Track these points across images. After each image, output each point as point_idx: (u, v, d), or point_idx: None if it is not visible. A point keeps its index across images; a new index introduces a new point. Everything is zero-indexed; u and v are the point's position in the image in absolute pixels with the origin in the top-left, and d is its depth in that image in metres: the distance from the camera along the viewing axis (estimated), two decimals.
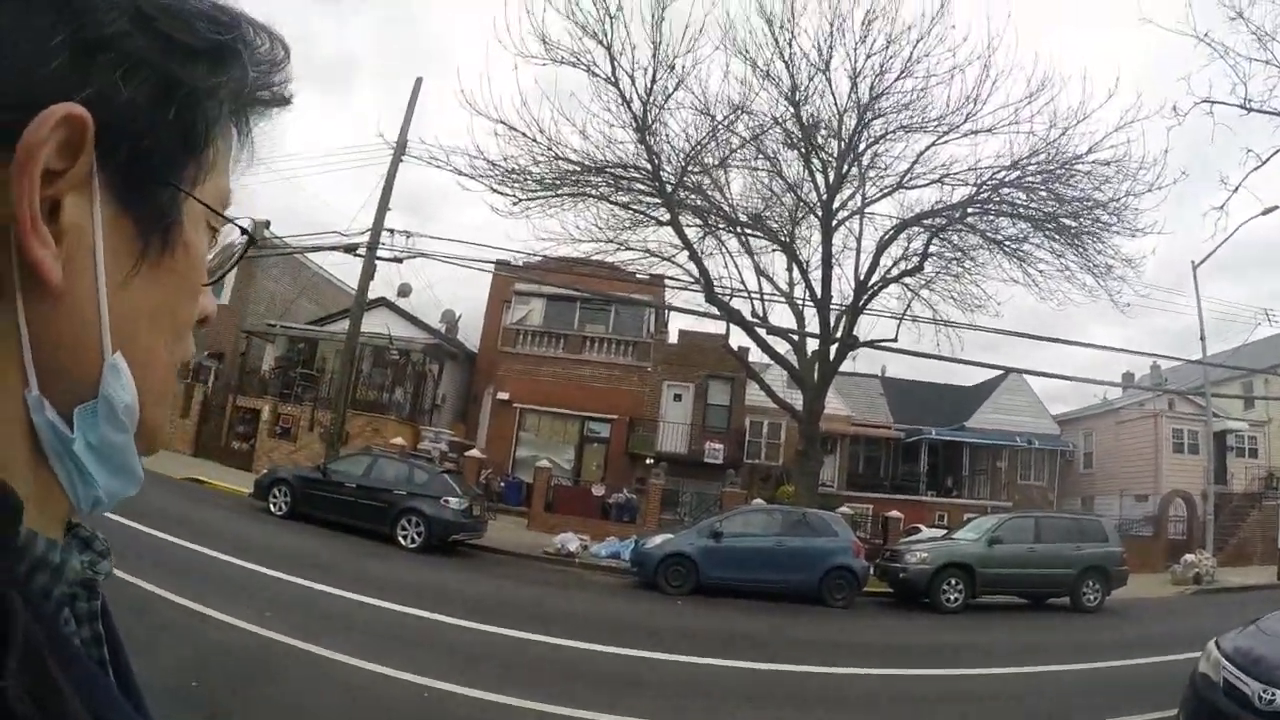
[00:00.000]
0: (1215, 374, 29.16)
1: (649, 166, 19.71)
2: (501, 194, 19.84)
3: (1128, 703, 8.70)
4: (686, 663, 9.73)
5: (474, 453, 27.01)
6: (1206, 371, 28.55)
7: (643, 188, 20.50)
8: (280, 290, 39.95)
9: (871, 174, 21.64)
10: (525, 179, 19.86)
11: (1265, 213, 21.61)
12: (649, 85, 18.87)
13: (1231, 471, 35.52)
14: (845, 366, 23.01)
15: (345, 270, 41.11)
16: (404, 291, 35.00)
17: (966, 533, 19.63)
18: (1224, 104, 12.77)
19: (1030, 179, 20.12)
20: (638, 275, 25.04)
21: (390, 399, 30.25)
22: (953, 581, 17.51)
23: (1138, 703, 8.57)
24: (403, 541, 17.23)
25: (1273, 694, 5.62)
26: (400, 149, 23.48)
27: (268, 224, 38.02)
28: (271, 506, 18.62)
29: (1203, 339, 28.74)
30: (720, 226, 22.13)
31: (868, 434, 36.58)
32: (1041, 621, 16.99)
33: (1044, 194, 20.23)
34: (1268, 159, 12.73)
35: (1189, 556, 24.67)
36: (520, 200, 19.98)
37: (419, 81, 24.16)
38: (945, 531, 22.54)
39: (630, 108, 19.20)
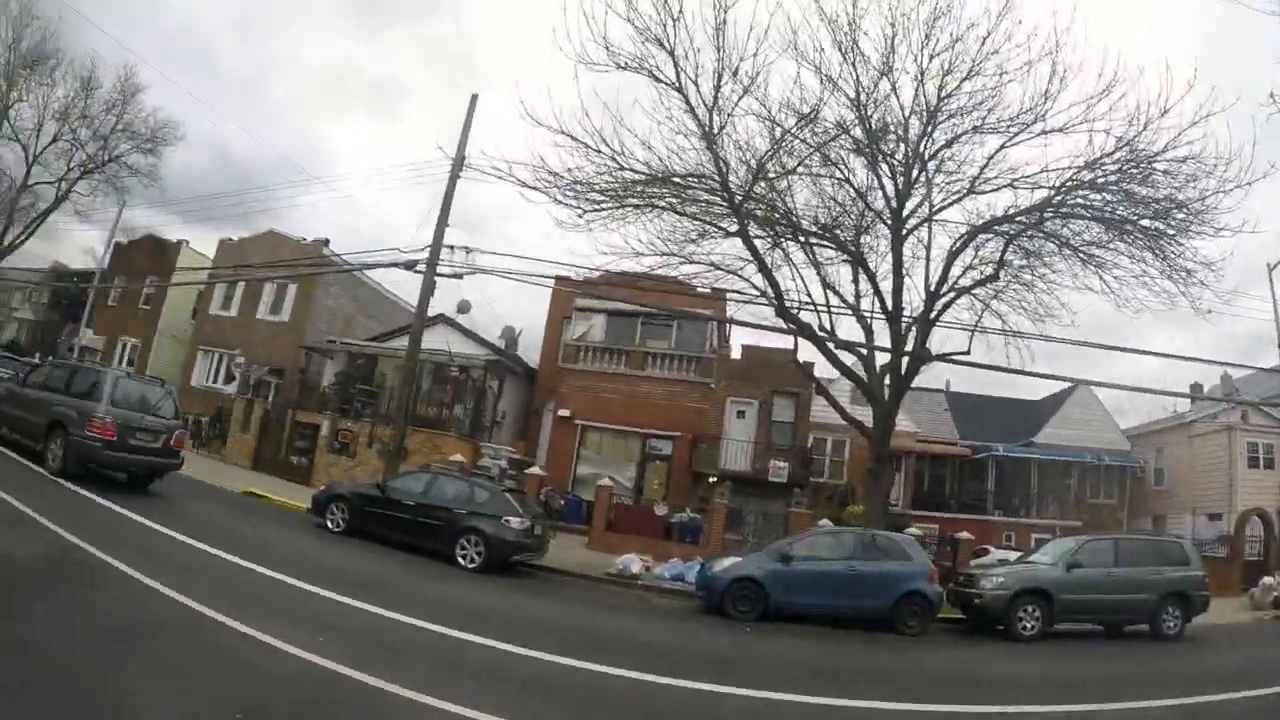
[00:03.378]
0: None
1: (717, 175, 19.14)
2: (566, 205, 19.43)
3: None
4: (762, 698, 9.05)
5: (534, 470, 26.59)
6: None
7: (709, 197, 19.92)
8: (340, 307, 40.24)
9: (939, 179, 20.83)
10: (589, 190, 19.40)
11: None
12: (714, 91, 18.35)
13: None
14: None
15: (404, 288, 41.25)
16: (463, 308, 34.90)
17: (1042, 556, 18.69)
18: None
19: (1106, 179, 19.11)
20: (699, 289, 24.47)
21: (450, 415, 29.98)
22: (1029, 608, 16.53)
23: None
24: (462, 562, 16.82)
25: None
26: (458, 164, 23.25)
27: (326, 241, 38.37)
28: (329, 523, 18.37)
29: None
30: (788, 237, 21.43)
31: (934, 451, 35.76)
32: (1122, 651, 16.14)
33: (1121, 195, 19.24)
34: None
35: (1268, 579, 23.29)
36: (585, 212, 19.53)
37: (474, 98, 23.87)
38: (1019, 554, 21.62)
39: (696, 115, 18.68)
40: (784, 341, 25.10)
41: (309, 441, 29.66)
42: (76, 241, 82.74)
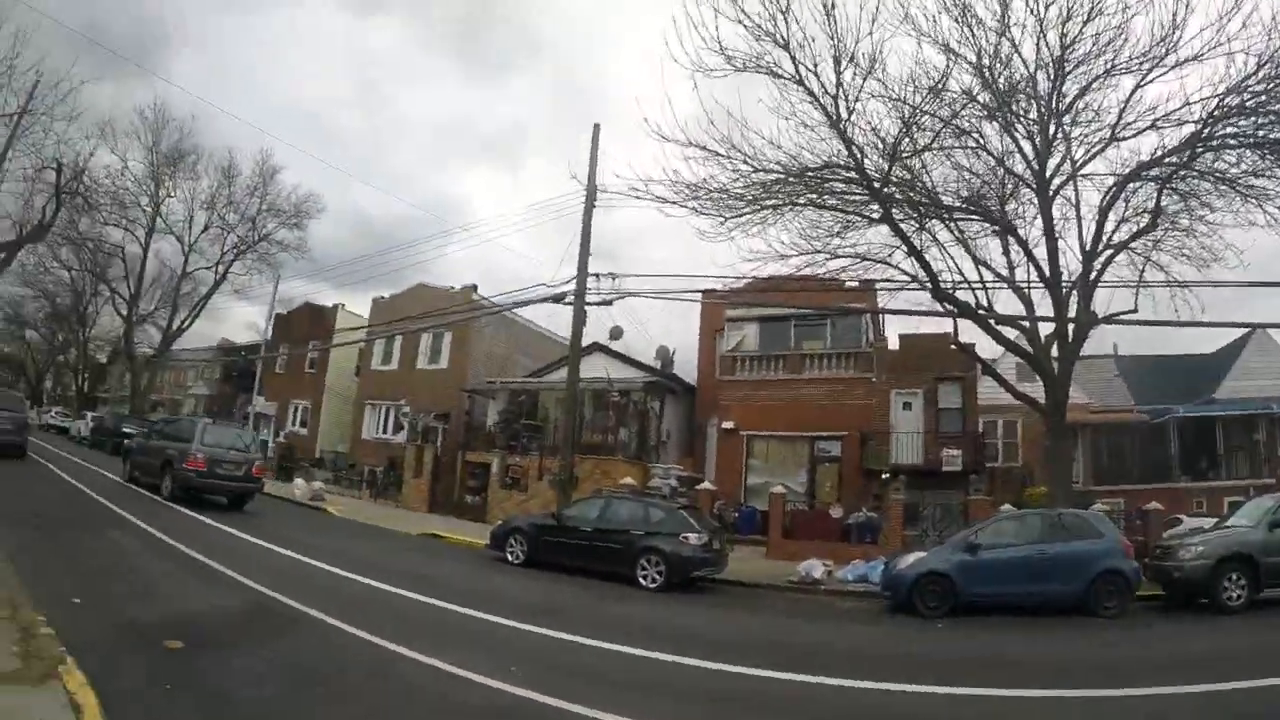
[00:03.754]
0: None
1: (851, 162, 18.63)
2: (706, 215, 19.28)
3: None
4: (974, 696, 8.59)
5: (705, 485, 26.41)
6: None
7: (847, 188, 19.49)
8: (496, 349, 41.12)
9: (1077, 132, 20.05)
10: (726, 197, 19.15)
11: None
12: (836, 78, 17.78)
13: None
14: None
15: (555, 321, 41.73)
16: (616, 334, 34.97)
17: (1240, 519, 17.05)
18: None
19: (1256, 100, 17.73)
20: (847, 284, 23.87)
21: (615, 440, 30.10)
22: (1234, 576, 15.12)
23: None
24: (643, 582, 16.70)
25: None
26: (591, 195, 23.56)
27: (474, 287, 39.21)
28: (508, 556, 18.58)
29: None
30: (932, 216, 20.75)
31: (1110, 420, 34.02)
32: None
33: (1273, 116, 17.84)
34: None
35: None
36: (726, 220, 19.33)
37: (597, 128, 24.06)
38: (1215, 521, 20.08)
39: (821, 104, 18.18)
40: (941, 327, 24.51)
41: (480, 480, 30.23)
42: (239, 318, 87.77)
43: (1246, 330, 33.87)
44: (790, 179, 19.11)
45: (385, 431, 41.39)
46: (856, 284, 24.08)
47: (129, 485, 23.51)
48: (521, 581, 16.19)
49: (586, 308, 22.99)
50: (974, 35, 18.59)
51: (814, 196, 19.68)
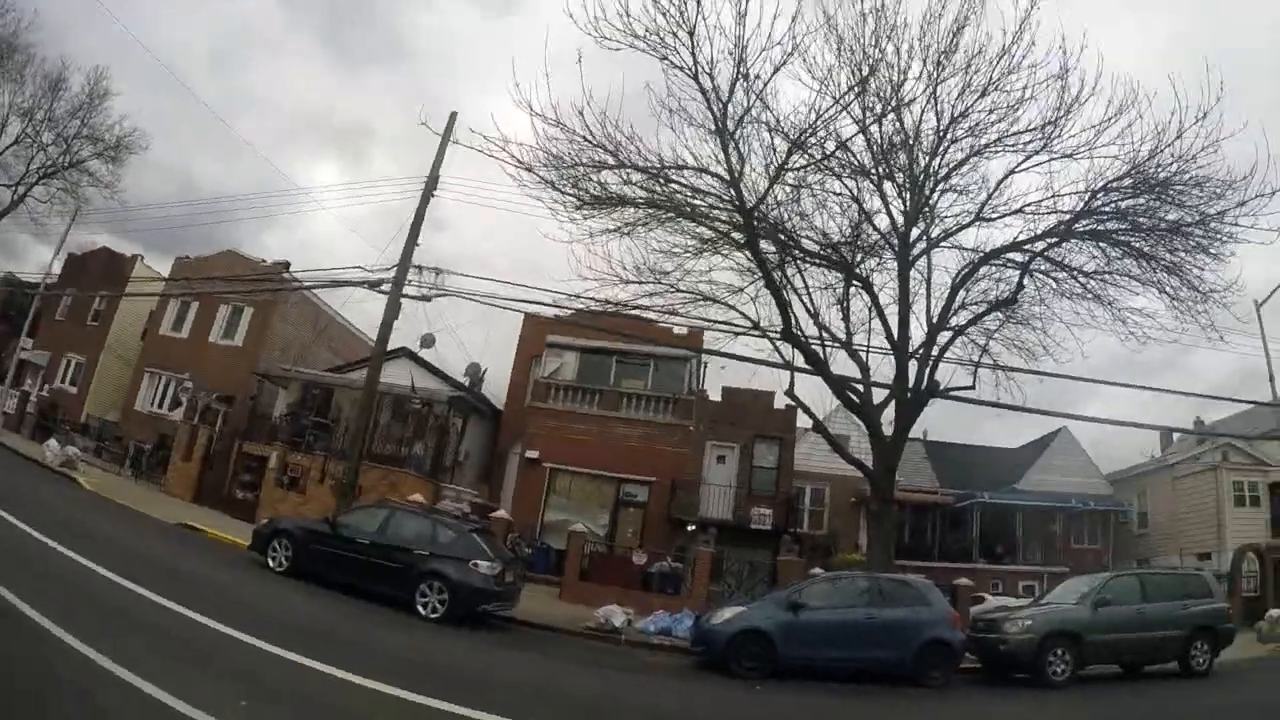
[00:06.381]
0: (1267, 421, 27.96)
1: (728, 174, 17.40)
2: (562, 193, 17.69)
3: None
4: None
5: (500, 514, 24.47)
6: None
7: (714, 207, 18.31)
8: (298, 335, 38.32)
9: (945, 203, 19.78)
10: (588, 178, 17.70)
11: None
12: (731, 84, 16.60)
13: None
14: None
15: (364, 319, 39.30)
16: (427, 342, 33.00)
17: (1063, 595, 17.17)
18: None
19: (1126, 200, 18.11)
20: (676, 331, 22.86)
21: (409, 453, 27.91)
22: (1060, 652, 14.91)
23: None
24: (422, 610, 14.67)
25: None
26: (432, 183, 21.95)
27: (287, 265, 36.39)
28: (270, 561, 16.21)
29: (1272, 380, 26.67)
30: (796, 256, 19.84)
31: (915, 500, 34.36)
32: (1161, 691, 14.78)
33: (1139, 217, 18.18)
34: None
35: (1274, 612, 21.73)
36: (583, 205, 17.74)
37: (453, 116, 22.43)
38: (1029, 599, 20.27)
39: (712, 107, 16.91)
40: (764, 385, 23.85)
41: (256, 475, 27.39)
42: (30, 256, 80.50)
43: (1052, 431, 36.72)
44: (660, 180, 17.90)
45: (162, 405, 37.47)
46: (685, 332, 23.10)
47: None
48: (280, 593, 14.13)
49: (403, 299, 21.11)
50: (864, 95, 17.91)
51: (683, 199, 18.42)
